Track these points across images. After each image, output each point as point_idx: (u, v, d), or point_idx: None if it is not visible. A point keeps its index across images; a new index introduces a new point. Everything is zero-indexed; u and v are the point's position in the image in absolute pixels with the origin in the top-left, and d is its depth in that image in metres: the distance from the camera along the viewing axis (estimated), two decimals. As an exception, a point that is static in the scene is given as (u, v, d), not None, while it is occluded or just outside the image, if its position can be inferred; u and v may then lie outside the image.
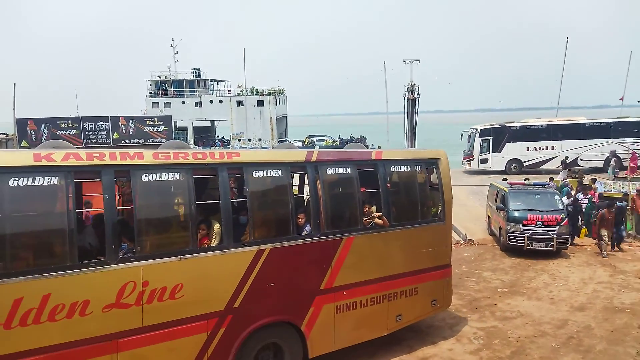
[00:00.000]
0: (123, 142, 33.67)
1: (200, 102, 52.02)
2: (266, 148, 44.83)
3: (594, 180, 19.73)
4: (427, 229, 8.30)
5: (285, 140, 49.04)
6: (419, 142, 28.75)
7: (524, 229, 13.58)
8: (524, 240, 13.51)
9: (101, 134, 33.18)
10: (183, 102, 51.72)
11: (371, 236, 7.56)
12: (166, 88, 52.61)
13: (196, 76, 53.68)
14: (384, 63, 38.13)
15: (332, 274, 7.12)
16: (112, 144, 32.84)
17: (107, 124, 33.87)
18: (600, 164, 27.63)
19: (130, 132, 34.04)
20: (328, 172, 7.22)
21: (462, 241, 15.93)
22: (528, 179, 17.36)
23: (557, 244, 13.45)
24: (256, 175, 6.53)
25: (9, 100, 28.65)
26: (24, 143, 30.87)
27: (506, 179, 17.57)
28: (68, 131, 32.35)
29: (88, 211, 6.89)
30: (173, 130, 37.88)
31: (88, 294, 5.23)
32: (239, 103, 51.94)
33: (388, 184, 7.79)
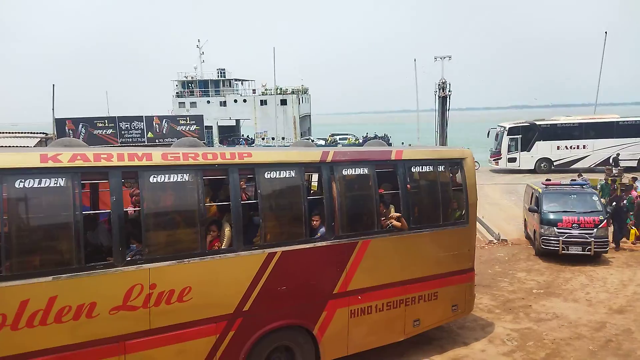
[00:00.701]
0: (157, 141, 34.38)
1: (224, 102, 52.77)
2: (289, 146, 45.09)
3: (634, 179, 19.03)
4: (449, 232, 8.04)
5: (308, 139, 49.14)
6: (450, 139, 28.33)
7: (558, 232, 12.84)
8: (558, 244, 12.76)
9: (136, 133, 33.98)
10: (208, 102, 52.55)
11: (389, 239, 7.35)
12: (192, 88, 53.53)
13: (221, 76, 54.45)
14: (414, 60, 37.75)
15: (347, 278, 6.96)
16: (146, 143, 33.56)
17: (142, 123, 34.65)
18: (634, 164, 26.54)
19: (164, 132, 34.74)
20: (344, 172, 7.01)
21: (496, 241, 15.63)
22: (575, 179, 16.76)
23: (595, 248, 12.59)
24: (268, 176, 6.35)
25: (48, 100, 29.65)
26: (62, 142, 31.95)
27: (550, 180, 16.97)
28: (104, 130, 33.23)
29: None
30: (204, 129, 38.51)
31: (95, 296, 5.21)
32: (263, 102, 52.50)
33: (408, 185, 7.54)
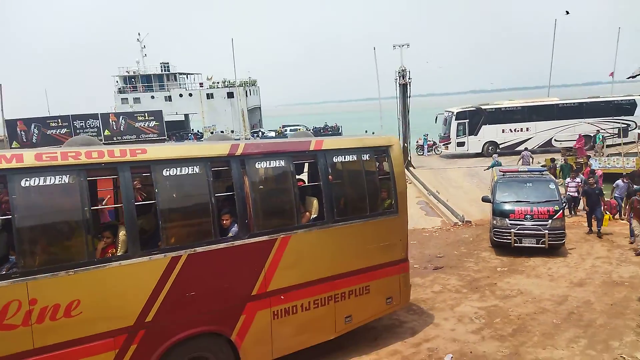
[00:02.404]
0: (114, 138, 33.56)
1: (169, 97, 51.25)
2: (238, 139, 44.68)
3: (588, 157, 19.77)
4: (377, 223, 7.69)
5: (258, 132, 48.69)
6: (413, 125, 28.79)
7: (510, 224, 12.12)
8: (510, 236, 12.02)
9: (92, 132, 33.05)
10: (152, 97, 50.80)
11: (312, 233, 6.98)
12: (135, 83, 51.87)
13: (165, 70, 52.92)
14: (374, 49, 37.94)
15: (266, 278, 6.56)
16: (103, 141, 32.73)
17: (98, 121, 33.72)
18: (573, 144, 27.43)
19: (122, 129, 33.89)
20: (257, 166, 6.61)
21: (460, 223, 15.97)
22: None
23: (549, 240, 11.81)
24: (167, 174, 5.86)
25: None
26: (15, 144, 30.73)
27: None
28: (58, 130, 32.22)
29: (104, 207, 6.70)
30: (164, 125, 37.66)
31: None
32: (209, 96, 51.52)
33: (330, 176, 7.16)
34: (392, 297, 8.03)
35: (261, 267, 6.53)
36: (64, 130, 32.64)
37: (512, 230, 12.04)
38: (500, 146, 29.56)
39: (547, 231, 11.86)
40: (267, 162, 6.73)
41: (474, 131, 29.73)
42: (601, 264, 11.28)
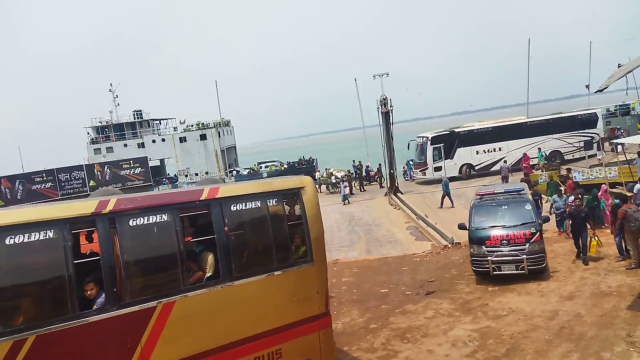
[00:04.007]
0: (100, 188, 33.56)
1: (142, 143, 51.24)
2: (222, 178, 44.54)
3: (569, 170, 20.04)
4: (287, 275, 6.84)
5: (232, 171, 48.81)
6: (399, 151, 29.15)
7: (487, 251, 11.49)
8: (488, 264, 11.38)
9: (77, 184, 33.05)
10: (125, 145, 50.81)
11: (204, 295, 6.09)
12: (107, 133, 51.96)
13: (138, 117, 53.15)
14: (355, 80, 38.65)
15: (144, 354, 5.63)
16: (89, 192, 32.67)
17: (82, 172, 33.75)
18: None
19: (107, 178, 33.95)
20: (132, 223, 5.79)
21: (450, 245, 16.01)
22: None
23: (528, 266, 11.14)
24: (10, 242, 4.98)
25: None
26: (-1, 202, 30.59)
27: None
28: (43, 185, 32.19)
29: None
30: (150, 171, 37.59)
31: None
32: (182, 139, 51.71)
33: (226, 228, 6.43)
34: (311, 359, 7.10)
35: (136, 341, 5.63)
36: (48, 185, 32.64)
37: (489, 257, 11.44)
38: (476, 167, 29.88)
39: (525, 256, 11.22)
40: (145, 218, 5.92)
41: (449, 155, 29.98)
42: (589, 275, 11.35)
